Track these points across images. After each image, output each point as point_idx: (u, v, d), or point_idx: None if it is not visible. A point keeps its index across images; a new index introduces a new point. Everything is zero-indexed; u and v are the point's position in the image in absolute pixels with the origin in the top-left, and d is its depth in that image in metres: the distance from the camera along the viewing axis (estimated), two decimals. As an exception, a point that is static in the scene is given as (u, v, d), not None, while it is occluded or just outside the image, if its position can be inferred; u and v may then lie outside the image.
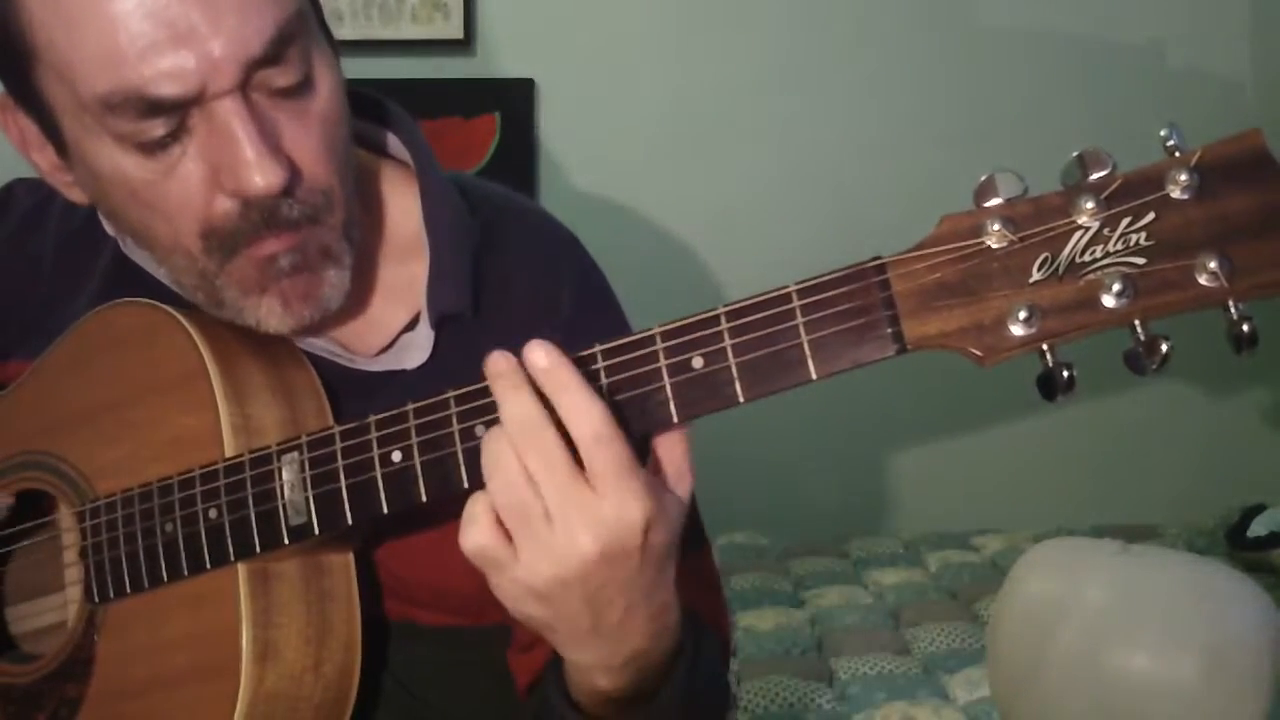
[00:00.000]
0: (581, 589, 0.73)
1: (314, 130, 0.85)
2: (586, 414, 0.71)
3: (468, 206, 1.00)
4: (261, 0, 0.80)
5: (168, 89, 0.79)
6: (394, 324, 0.97)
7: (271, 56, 0.81)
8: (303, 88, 0.84)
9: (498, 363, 0.74)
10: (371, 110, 1.01)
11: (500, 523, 0.73)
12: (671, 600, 0.79)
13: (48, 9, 0.80)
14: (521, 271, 0.99)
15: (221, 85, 0.79)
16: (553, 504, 0.71)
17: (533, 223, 1.04)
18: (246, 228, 0.84)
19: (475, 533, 0.73)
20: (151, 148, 0.82)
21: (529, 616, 0.76)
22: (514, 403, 0.73)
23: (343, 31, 2.51)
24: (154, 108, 0.80)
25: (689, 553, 1.02)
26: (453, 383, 0.79)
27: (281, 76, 0.82)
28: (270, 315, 0.88)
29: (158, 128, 0.81)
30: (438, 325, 0.94)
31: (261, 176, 0.81)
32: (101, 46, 0.79)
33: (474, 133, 2.56)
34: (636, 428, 0.73)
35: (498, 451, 0.73)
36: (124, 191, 0.85)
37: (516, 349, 0.95)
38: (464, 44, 2.55)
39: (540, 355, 0.73)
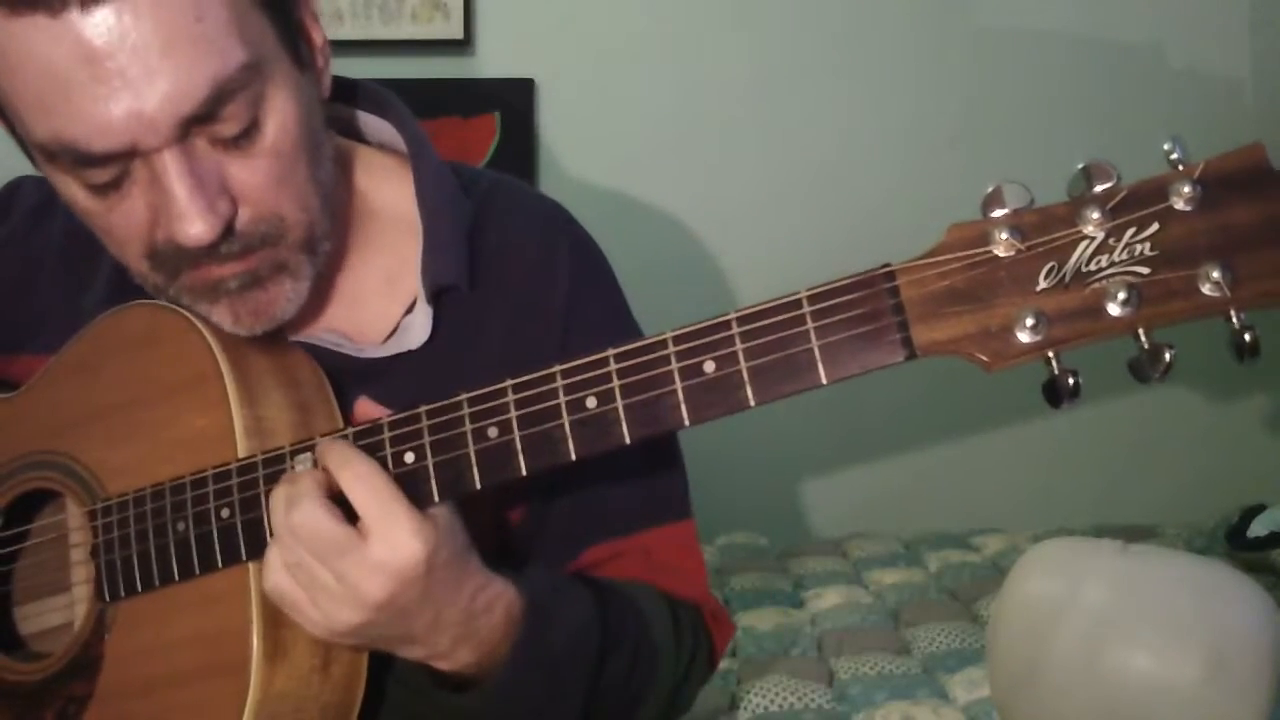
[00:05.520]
0: (385, 618, 0.79)
1: (261, 167, 0.84)
2: (345, 461, 0.79)
3: (461, 187, 1.01)
4: (199, 57, 0.78)
5: (98, 145, 0.79)
6: (396, 310, 0.98)
7: (207, 115, 0.79)
8: (248, 133, 0.82)
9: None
10: (370, 100, 1.03)
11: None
12: (485, 580, 0.84)
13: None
14: (517, 245, 1.00)
15: (153, 142, 0.79)
16: (334, 568, 0.78)
17: (525, 199, 1.05)
18: (188, 256, 0.84)
19: (274, 578, 0.81)
20: (97, 189, 0.82)
21: (347, 644, 0.84)
22: (276, 493, 0.81)
23: (343, 31, 2.51)
24: (88, 160, 0.80)
25: (666, 524, 1.03)
26: (455, 358, 0.80)
27: (222, 129, 0.81)
28: (222, 323, 0.89)
29: (99, 175, 0.81)
30: (436, 302, 0.95)
31: (193, 228, 0.81)
32: (38, 97, 0.79)
33: (474, 132, 2.56)
34: (649, 430, 0.74)
35: (278, 531, 0.80)
36: (80, 214, 0.87)
37: (515, 322, 0.97)
38: (464, 44, 2.55)
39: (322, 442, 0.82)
